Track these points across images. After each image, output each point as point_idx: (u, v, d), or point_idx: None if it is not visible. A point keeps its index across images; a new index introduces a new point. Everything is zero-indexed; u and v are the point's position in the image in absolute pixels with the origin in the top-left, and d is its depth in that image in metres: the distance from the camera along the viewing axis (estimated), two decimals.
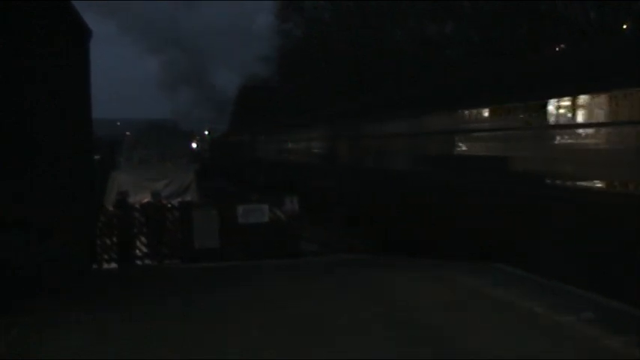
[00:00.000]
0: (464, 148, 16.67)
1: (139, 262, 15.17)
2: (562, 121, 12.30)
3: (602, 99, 11.06)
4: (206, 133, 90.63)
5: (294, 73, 46.76)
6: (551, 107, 12.56)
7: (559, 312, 8.45)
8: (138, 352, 7.20)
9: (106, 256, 15.03)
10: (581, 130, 11.92)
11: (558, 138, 12.50)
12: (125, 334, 7.94)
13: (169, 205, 16.21)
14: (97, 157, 27.50)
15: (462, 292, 10.09)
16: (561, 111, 12.37)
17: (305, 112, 40.52)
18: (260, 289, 10.88)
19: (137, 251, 15.24)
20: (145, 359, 6.99)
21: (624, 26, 21.55)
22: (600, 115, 11.18)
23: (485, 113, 15.56)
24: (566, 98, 12.11)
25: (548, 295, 9.46)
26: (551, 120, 12.51)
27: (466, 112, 16.46)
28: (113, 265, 14.98)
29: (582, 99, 11.77)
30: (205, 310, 9.23)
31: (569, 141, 12.25)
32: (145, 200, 20.12)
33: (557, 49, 22.41)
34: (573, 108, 12.03)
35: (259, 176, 40.48)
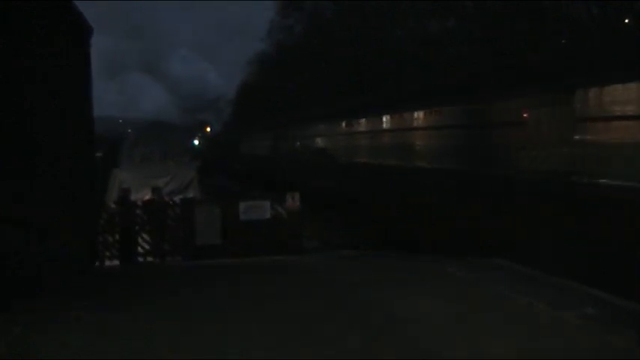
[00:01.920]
0: (316, 144, 34.43)
1: (140, 260, 15.18)
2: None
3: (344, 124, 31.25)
4: (208, 129, 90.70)
5: (294, 72, 47.15)
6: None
7: (559, 308, 8.46)
8: (138, 351, 7.23)
9: (107, 254, 15.05)
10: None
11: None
12: (126, 333, 7.96)
13: (171, 202, 16.20)
14: (98, 154, 27.46)
15: (461, 287, 10.11)
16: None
17: (266, 118, 55.02)
18: (261, 287, 10.89)
19: (139, 248, 15.26)
20: (146, 359, 7.00)
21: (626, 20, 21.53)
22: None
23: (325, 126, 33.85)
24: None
25: (548, 291, 9.48)
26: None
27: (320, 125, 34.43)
28: (115, 262, 15.01)
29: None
30: (206, 308, 9.25)
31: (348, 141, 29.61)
32: (147, 198, 20.14)
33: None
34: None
35: (241, 167, 54.04)
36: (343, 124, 28.22)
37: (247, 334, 7.77)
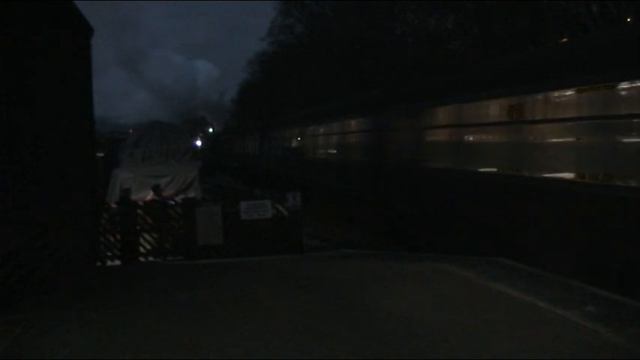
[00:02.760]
0: (286, 144, 40.41)
1: (142, 259, 15.21)
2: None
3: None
4: (210, 130, 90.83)
5: (294, 71, 47.68)
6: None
7: (561, 306, 8.45)
8: (140, 351, 7.24)
9: (109, 254, 15.09)
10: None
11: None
12: (127, 333, 7.97)
13: (172, 202, 16.23)
14: (100, 154, 27.44)
15: (461, 285, 10.10)
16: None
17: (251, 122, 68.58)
18: (263, 287, 10.89)
19: (140, 248, 15.29)
20: (147, 359, 7.01)
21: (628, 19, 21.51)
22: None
23: (292, 130, 38.90)
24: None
25: (550, 289, 9.46)
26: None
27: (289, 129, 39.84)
28: (117, 262, 15.04)
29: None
30: (208, 308, 9.23)
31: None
32: (149, 197, 20.16)
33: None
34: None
35: (232, 164, 65.72)
36: (300, 129, 37.40)
37: (248, 334, 7.77)
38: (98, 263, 14.88)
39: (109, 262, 15.04)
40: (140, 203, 16.32)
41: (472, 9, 28.02)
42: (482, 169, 14.44)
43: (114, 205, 16.23)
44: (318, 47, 43.48)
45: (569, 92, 11.42)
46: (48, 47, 11.96)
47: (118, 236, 15.16)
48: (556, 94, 11.69)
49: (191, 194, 21.29)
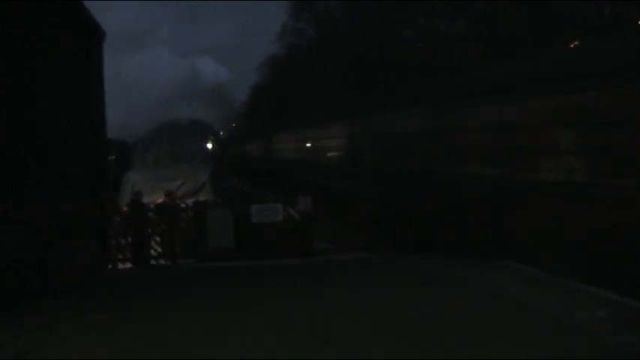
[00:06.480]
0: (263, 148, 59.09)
1: (153, 262, 15.27)
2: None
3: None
4: (221, 133, 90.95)
5: (302, 72, 47.99)
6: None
7: (565, 309, 8.45)
8: (147, 354, 7.27)
9: (120, 257, 15.16)
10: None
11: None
12: (134, 337, 8.01)
13: (183, 205, 16.28)
14: (111, 157, 27.53)
15: (468, 289, 10.10)
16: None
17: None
18: (272, 289, 10.93)
19: (152, 251, 15.34)
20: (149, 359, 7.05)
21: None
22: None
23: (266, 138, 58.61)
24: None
25: (554, 292, 9.47)
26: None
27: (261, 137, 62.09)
28: (128, 265, 15.10)
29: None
30: (218, 312, 9.25)
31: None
32: (160, 200, 20.20)
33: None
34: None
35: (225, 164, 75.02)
36: (265, 139, 58.60)
37: (250, 339, 7.77)
38: (109, 266, 14.95)
39: (121, 265, 15.10)
40: (151, 206, 16.37)
41: (480, 9, 27.95)
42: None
43: (125, 209, 16.29)
44: (326, 48, 43.56)
45: None
46: (48, 47, 11.94)
47: (130, 239, 15.22)
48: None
49: (202, 197, 21.33)
